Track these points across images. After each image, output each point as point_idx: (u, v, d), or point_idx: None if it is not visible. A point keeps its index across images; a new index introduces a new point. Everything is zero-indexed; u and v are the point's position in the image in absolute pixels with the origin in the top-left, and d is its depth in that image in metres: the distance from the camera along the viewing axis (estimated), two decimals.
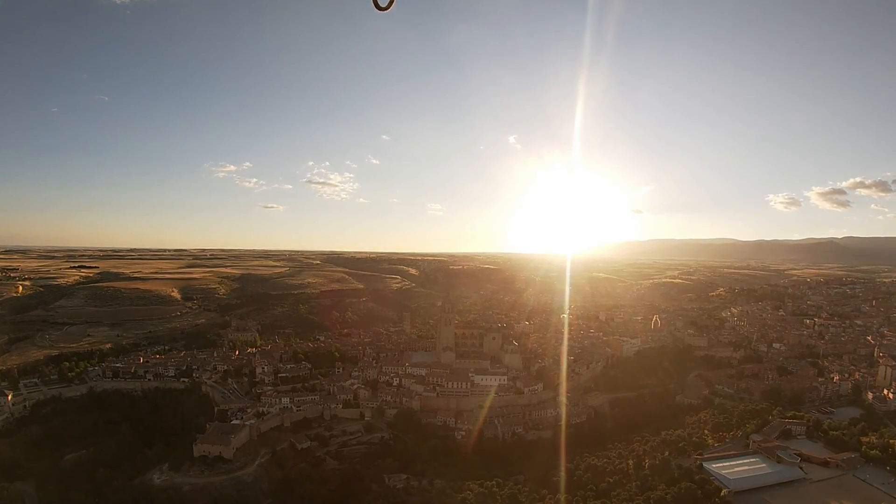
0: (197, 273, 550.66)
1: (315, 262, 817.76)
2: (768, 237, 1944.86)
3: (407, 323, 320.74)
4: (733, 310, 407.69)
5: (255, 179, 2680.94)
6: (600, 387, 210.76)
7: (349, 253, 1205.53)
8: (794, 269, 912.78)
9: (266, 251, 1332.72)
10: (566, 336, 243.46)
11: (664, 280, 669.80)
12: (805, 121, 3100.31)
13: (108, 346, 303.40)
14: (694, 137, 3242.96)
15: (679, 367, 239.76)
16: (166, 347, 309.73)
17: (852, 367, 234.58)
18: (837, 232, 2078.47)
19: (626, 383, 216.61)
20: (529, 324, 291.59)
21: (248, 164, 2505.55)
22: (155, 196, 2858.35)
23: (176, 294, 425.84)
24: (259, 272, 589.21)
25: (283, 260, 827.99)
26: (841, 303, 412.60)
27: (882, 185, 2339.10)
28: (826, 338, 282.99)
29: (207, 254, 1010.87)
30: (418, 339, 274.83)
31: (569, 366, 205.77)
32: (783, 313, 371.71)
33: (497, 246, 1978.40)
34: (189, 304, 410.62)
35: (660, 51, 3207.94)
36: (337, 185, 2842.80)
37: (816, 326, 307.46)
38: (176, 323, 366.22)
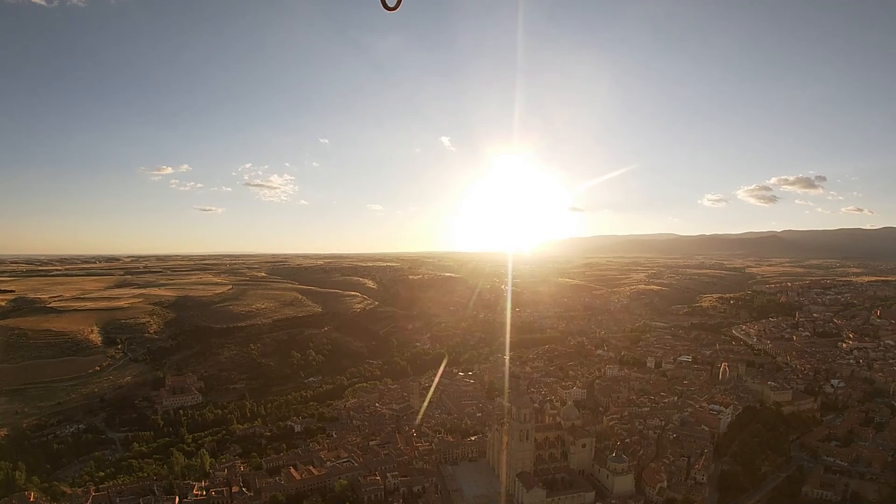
0: (125, 297, 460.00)
1: (260, 274, 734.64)
2: (707, 232, 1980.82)
3: (415, 397, 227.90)
4: (748, 329, 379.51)
5: (192, 182, 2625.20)
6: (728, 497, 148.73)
7: (293, 258, 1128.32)
8: (751, 267, 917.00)
9: (204, 257, 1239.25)
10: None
11: (640, 287, 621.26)
12: (730, 124, 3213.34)
13: (2, 433, 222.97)
14: (630, 139, 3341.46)
15: (771, 434, 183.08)
16: (80, 427, 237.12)
17: None
18: (777, 226, 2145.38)
19: (742, 479, 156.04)
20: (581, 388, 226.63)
21: (185, 166, 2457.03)
22: (86, 201, 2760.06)
23: (96, 336, 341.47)
24: (198, 293, 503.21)
25: (223, 272, 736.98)
26: (842, 311, 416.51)
27: (806, 182, 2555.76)
28: (875, 367, 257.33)
29: (141, 265, 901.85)
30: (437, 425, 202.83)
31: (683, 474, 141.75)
32: (807, 333, 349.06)
33: (441, 245, 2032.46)
34: (112, 352, 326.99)
35: (595, 54, 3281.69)
36: (277, 188, 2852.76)
37: (855, 352, 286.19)
38: (94, 384, 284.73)
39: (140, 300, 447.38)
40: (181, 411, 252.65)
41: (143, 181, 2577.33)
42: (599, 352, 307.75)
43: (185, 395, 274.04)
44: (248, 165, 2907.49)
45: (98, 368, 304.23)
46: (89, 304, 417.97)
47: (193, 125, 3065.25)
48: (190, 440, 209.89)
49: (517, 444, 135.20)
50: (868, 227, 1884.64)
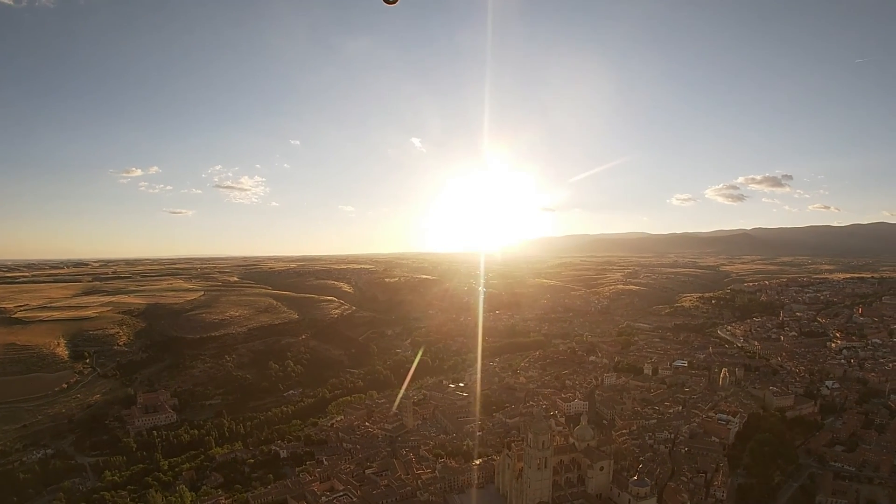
0: (93, 306, 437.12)
1: (232, 278, 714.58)
2: (678, 231, 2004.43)
3: (408, 416, 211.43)
4: (734, 329, 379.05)
5: (161, 185, 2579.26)
6: None
7: (265, 261, 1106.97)
8: (724, 265, 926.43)
9: (174, 260, 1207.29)
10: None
11: (619, 288, 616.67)
12: (697, 125, 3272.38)
13: None
14: (600, 140, 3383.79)
15: (779, 442, 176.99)
16: (48, 453, 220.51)
17: None
18: (746, 224, 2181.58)
19: (759, 492, 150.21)
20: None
21: (155, 168, 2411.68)
22: (54, 204, 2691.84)
23: (62, 350, 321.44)
24: (168, 300, 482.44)
25: (194, 277, 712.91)
26: (824, 310, 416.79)
27: (773, 181, 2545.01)
28: (867, 367, 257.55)
29: (110, 270, 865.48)
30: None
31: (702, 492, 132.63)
32: (794, 333, 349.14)
33: (413, 246, 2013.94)
34: (80, 367, 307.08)
35: (565, 56, 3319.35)
36: (248, 189, 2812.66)
37: (845, 352, 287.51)
38: (62, 404, 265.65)
39: (109, 308, 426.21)
40: (155, 432, 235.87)
41: (112, 183, 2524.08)
42: (593, 358, 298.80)
43: (159, 414, 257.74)
44: (218, 167, 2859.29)
45: (65, 386, 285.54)
46: (56, 314, 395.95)
47: (163, 126, 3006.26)
48: (166, 467, 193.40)
49: (535, 473, 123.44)
50: (835, 224, 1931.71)
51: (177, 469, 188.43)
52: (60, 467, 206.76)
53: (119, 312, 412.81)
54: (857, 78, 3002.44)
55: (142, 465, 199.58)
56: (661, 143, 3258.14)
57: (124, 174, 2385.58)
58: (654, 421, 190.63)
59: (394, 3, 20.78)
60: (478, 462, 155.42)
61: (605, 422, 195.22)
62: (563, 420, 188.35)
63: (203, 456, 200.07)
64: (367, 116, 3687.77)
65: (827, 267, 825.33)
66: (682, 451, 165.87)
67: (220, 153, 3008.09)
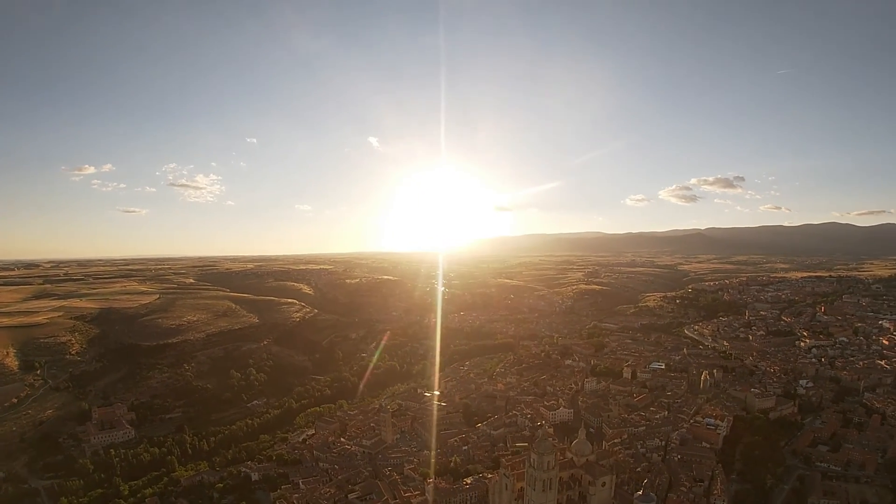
0: (44, 311, 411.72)
1: (188, 280, 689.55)
2: (633, 230, 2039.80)
3: (387, 430, 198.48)
4: (701, 329, 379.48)
5: (114, 183, 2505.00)
6: None
7: (221, 261, 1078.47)
8: (682, 264, 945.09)
9: (128, 261, 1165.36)
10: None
11: (583, 287, 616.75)
12: (650, 129, 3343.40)
13: None
14: (554, 142, 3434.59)
15: (767, 444, 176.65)
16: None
17: None
18: (700, 223, 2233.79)
19: (755, 497, 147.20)
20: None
21: (108, 165, 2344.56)
22: (4, 202, 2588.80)
23: (12, 360, 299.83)
24: (122, 303, 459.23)
25: (149, 279, 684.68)
26: (787, 309, 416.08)
27: (725, 182, 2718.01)
28: (837, 365, 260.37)
29: (62, 271, 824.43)
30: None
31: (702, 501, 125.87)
32: (762, 332, 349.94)
33: (370, 245, 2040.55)
34: (30, 379, 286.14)
35: (517, 59, 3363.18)
36: (203, 188, 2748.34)
37: (814, 350, 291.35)
38: (12, 421, 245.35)
39: (60, 314, 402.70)
40: (112, 451, 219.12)
41: (65, 181, 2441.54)
42: (569, 362, 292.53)
43: (116, 430, 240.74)
44: (172, 165, 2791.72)
45: (16, 401, 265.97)
46: (5, 321, 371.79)
47: (118, 123, 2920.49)
48: (126, 491, 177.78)
49: (539, 496, 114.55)
50: (787, 224, 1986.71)
51: (139, 494, 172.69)
52: (13, 493, 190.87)
53: (71, 318, 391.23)
54: (803, 85, 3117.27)
55: (100, 490, 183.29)
56: (616, 144, 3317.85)
57: (77, 172, 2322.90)
58: (643, 428, 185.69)
59: None
60: (468, 481, 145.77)
61: (591, 430, 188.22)
62: (551, 431, 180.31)
63: (167, 478, 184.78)
64: (326, 115, 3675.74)
65: (782, 266, 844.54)
66: (676, 458, 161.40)
67: (175, 151, 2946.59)
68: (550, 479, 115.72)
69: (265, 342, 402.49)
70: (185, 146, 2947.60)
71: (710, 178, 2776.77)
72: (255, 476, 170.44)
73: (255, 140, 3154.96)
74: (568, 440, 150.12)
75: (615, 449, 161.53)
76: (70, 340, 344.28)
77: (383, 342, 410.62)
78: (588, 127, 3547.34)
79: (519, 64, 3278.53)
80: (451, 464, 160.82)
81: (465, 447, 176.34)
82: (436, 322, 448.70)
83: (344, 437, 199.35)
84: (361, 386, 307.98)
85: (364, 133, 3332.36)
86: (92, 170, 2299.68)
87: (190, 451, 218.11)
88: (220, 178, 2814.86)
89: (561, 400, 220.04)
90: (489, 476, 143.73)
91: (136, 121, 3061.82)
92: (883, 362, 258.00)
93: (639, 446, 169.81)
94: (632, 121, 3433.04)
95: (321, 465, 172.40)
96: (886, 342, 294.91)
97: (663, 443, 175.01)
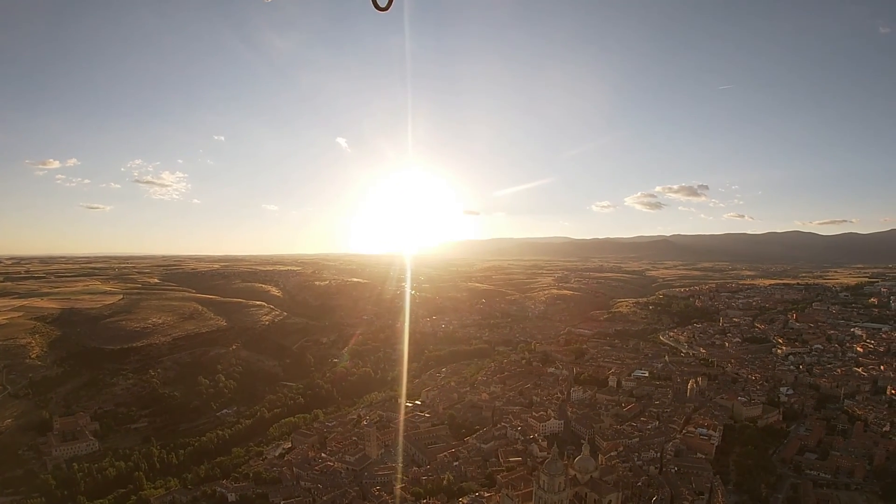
0: (3, 311, 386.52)
1: (153, 280, 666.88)
2: (600, 236, 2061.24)
3: (371, 444, 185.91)
4: (676, 335, 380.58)
5: (78, 178, 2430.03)
6: None
7: (186, 261, 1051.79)
8: (649, 270, 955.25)
9: (91, 259, 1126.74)
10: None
11: (554, 292, 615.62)
12: (616, 136, 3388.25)
13: None
14: (521, 145, 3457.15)
15: (758, 453, 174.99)
16: None
17: None
18: (665, 230, 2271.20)
19: None
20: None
21: (73, 160, 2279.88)
22: None
23: None
24: (85, 304, 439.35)
25: (112, 278, 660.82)
26: (759, 316, 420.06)
27: (690, 190, 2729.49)
28: (815, 372, 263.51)
29: (23, 268, 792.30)
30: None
31: None
32: (737, 339, 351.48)
33: (337, 246, 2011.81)
34: None
35: (483, 62, 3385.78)
36: (169, 185, 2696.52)
37: (791, 358, 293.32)
38: None
39: (20, 314, 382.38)
40: (76, 464, 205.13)
41: (28, 175, 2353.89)
42: (552, 370, 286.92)
43: (78, 442, 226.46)
44: (137, 161, 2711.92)
45: None
46: None
47: (84, 116, 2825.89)
48: None
49: None
50: (751, 231, 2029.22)
51: None
52: None
53: (31, 319, 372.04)
54: (766, 95, 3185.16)
55: None
56: (582, 151, 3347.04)
57: (41, 166, 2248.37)
58: (637, 439, 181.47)
59: (385, 9, 18.82)
60: (464, 501, 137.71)
61: (583, 441, 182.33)
62: (544, 444, 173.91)
63: (134, 497, 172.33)
64: (294, 115, 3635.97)
65: (748, 272, 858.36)
66: (673, 470, 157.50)
67: (141, 146, 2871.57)
68: (561, 501, 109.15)
69: (234, 346, 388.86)
70: (151, 142, 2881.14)
71: (675, 186, 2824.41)
72: (231, 497, 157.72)
73: (222, 138, 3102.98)
74: (567, 455, 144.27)
75: (613, 463, 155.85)
76: (30, 343, 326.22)
77: (350, 344, 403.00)
78: (554, 133, 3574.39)
79: (487, 68, 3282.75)
80: (444, 481, 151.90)
81: (456, 463, 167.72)
82: (412, 326, 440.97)
83: (325, 453, 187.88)
84: (336, 394, 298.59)
85: (332, 133, 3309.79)
86: (57, 164, 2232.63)
87: (158, 466, 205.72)
88: (186, 175, 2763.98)
89: (550, 411, 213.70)
90: (487, 495, 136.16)
91: (103, 115, 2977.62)
92: (860, 370, 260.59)
93: (635, 459, 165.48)
94: (597, 128, 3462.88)
95: (303, 483, 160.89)
96: (861, 349, 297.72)
97: (658, 455, 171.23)
